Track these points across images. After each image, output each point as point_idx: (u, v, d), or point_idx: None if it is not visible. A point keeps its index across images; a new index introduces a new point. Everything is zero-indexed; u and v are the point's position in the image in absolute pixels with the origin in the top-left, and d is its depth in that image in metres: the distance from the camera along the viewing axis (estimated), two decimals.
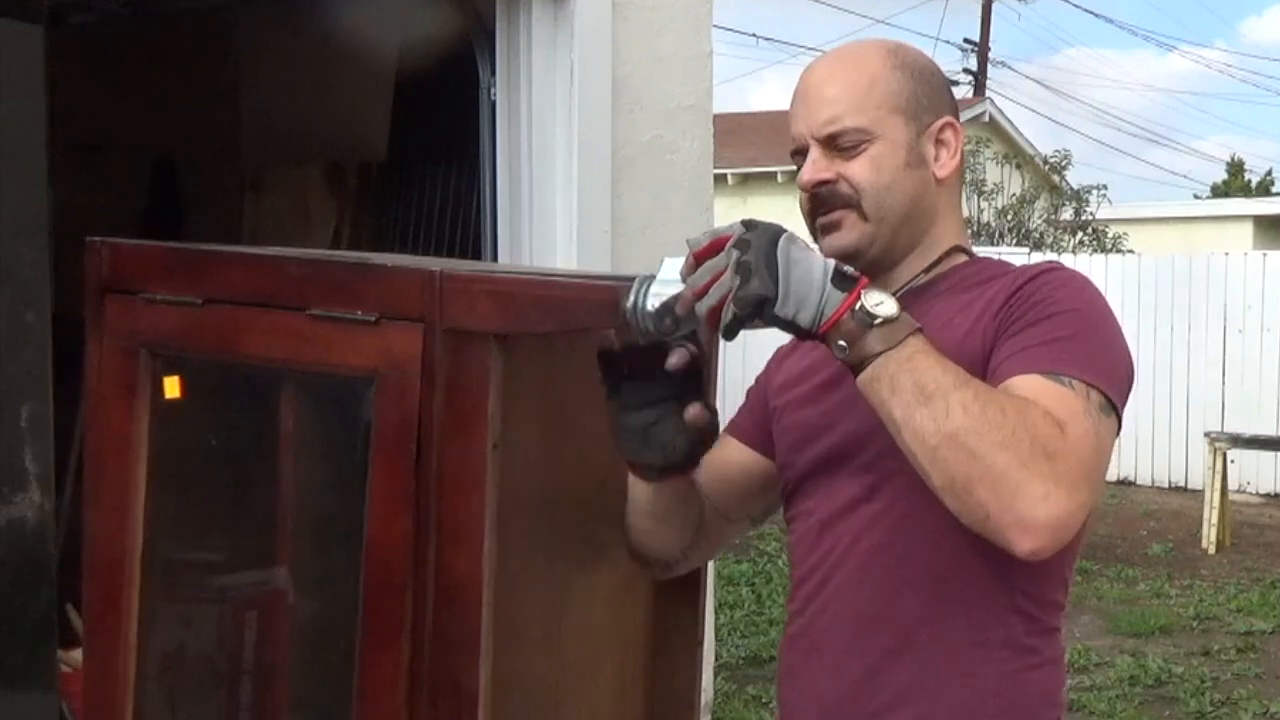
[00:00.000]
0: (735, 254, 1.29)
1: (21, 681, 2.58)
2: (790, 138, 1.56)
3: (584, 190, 3.78)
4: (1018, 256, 10.92)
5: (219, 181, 5.67)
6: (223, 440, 1.91)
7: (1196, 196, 27.85)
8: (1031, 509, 1.27)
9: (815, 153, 1.53)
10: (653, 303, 1.35)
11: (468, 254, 4.48)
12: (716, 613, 5.95)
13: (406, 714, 1.54)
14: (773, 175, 17.04)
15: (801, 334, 1.34)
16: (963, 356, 1.42)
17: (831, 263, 1.34)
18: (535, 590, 1.71)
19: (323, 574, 1.80)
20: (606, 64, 3.84)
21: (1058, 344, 1.39)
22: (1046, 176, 17.53)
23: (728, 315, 1.29)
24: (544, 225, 3.79)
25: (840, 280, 1.32)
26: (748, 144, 17.22)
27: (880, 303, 1.32)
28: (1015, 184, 16.70)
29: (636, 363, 1.44)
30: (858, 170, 1.52)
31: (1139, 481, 10.50)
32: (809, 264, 1.31)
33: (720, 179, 15.30)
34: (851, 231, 1.53)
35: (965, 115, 16.84)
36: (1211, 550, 8.30)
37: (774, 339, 1.52)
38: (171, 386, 1.78)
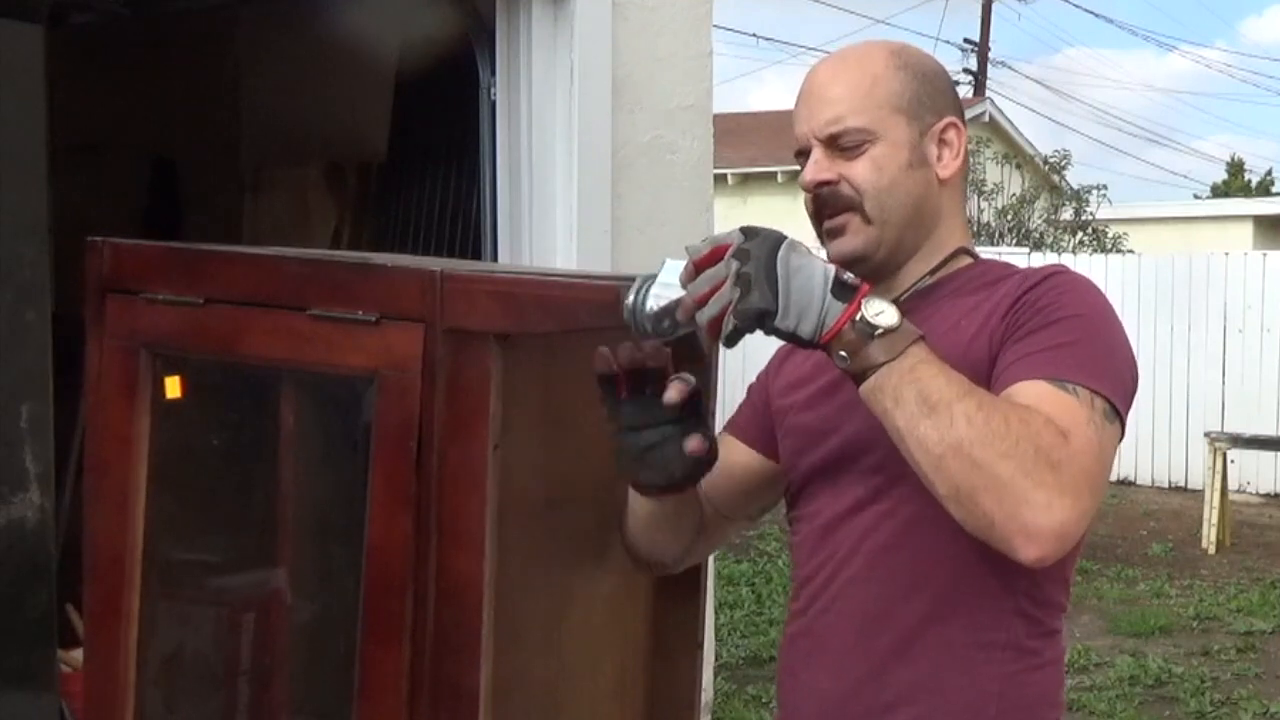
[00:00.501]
0: (735, 264, 1.28)
1: (21, 681, 2.58)
2: (794, 138, 1.56)
3: (584, 190, 3.78)
4: (1017, 257, 10.92)
5: (219, 181, 5.67)
6: (223, 440, 1.91)
7: (1196, 196, 27.86)
8: (1035, 518, 1.28)
9: (817, 153, 1.53)
10: (652, 304, 1.35)
11: (468, 254, 4.47)
12: (716, 613, 5.95)
13: (407, 714, 1.54)
14: (773, 175, 17.04)
15: (803, 344, 1.34)
16: (968, 360, 1.42)
17: (832, 270, 1.33)
18: (535, 590, 1.71)
19: (323, 574, 1.80)
20: (606, 64, 3.84)
21: (1062, 350, 1.40)
22: (1046, 176, 17.53)
23: (728, 326, 1.29)
24: (544, 225, 3.79)
25: (840, 290, 1.31)
26: (748, 144, 17.22)
27: (881, 312, 1.31)
28: (1015, 184, 16.70)
29: (636, 384, 1.44)
30: (859, 171, 1.51)
31: (1139, 481, 10.50)
32: (809, 273, 1.31)
33: (720, 179, 15.29)
34: (856, 236, 1.53)
35: (966, 115, 16.84)
36: (1211, 550, 8.30)
37: (775, 339, 1.52)
38: (172, 386, 1.78)
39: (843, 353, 1.32)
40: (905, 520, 1.47)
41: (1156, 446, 10.42)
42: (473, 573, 1.51)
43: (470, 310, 1.51)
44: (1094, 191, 16.10)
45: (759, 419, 1.69)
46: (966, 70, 22.05)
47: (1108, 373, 1.41)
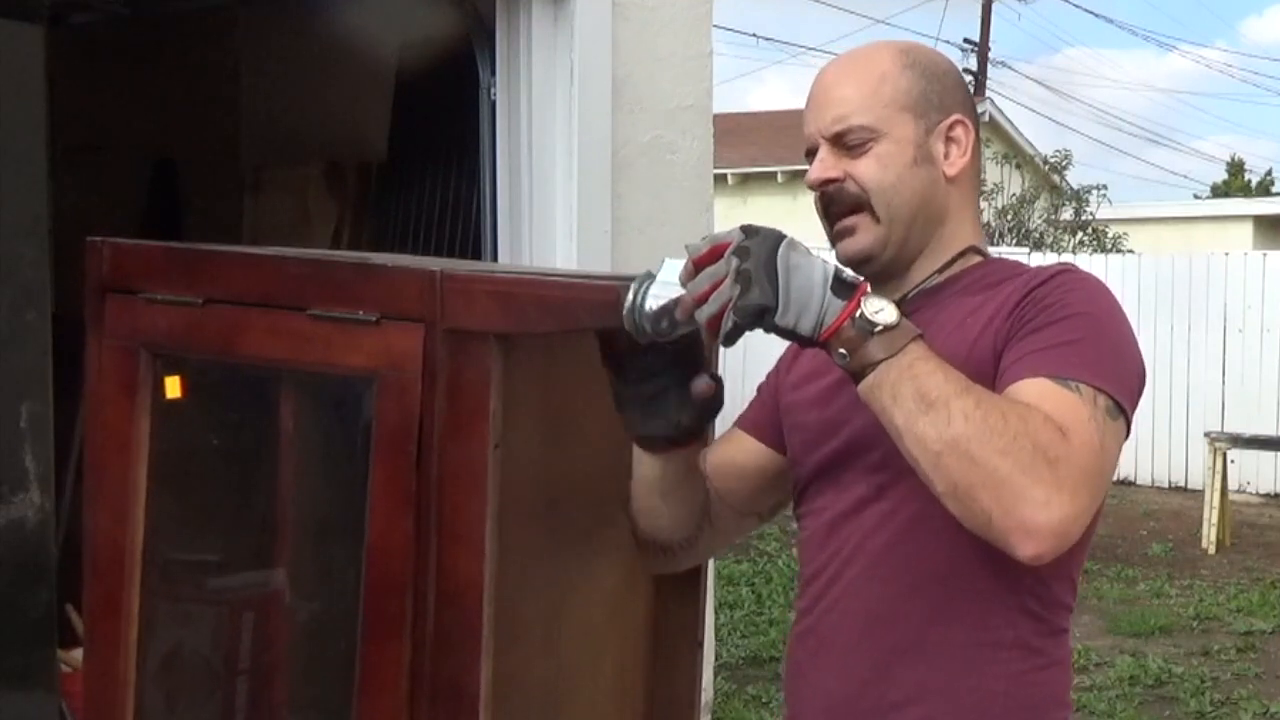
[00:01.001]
0: (735, 261, 1.28)
1: (21, 681, 2.58)
2: (803, 138, 1.57)
3: (584, 190, 3.78)
4: (1017, 257, 10.91)
5: (219, 182, 5.67)
6: (223, 441, 1.91)
7: (1196, 196, 27.85)
8: (1033, 514, 1.28)
9: (824, 151, 1.54)
10: (651, 304, 1.35)
11: (468, 254, 4.47)
12: (716, 613, 5.94)
13: (407, 714, 1.54)
14: (773, 175, 17.05)
15: (803, 342, 1.34)
16: (973, 359, 1.42)
17: (831, 268, 1.33)
18: (536, 590, 1.71)
19: (323, 574, 1.80)
20: (606, 64, 3.84)
21: (1067, 347, 1.39)
22: (1046, 176, 17.53)
23: (728, 324, 1.29)
24: (544, 225, 3.79)
25: (840, 287, 1.32)
26: (748, 144, 17.23)
27: (879, 309, 1.32)
28: (1015, 184, 16.70)
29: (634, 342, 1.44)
30: (864, 169, 1.52)
31: (1139, 481, 10.50)
32: (809, 270, 1.31)
33: (720, 179, 15.29)
34: (865, 235, 1.54)
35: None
36: (1211, 550, 8.30)
37: (777, 339, 1.53)
38: (172, 386, 1.78)
39: (842, 350, 1.32)
40: (909, 518, 1.47)
41: (1156, 446, 10.41)
42: (473, 573, 1.51)
43: (470, 310, 1.51)
44: (1094, 191, 16.10)
45: (769, 414, 1.70)
46: (966, 70, 22.04)
47: (1112, 370, 1.40)
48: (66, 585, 2.39)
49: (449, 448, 1.51)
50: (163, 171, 5.82)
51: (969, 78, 21.75)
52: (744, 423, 1.74)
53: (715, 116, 4.37)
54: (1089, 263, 11.38)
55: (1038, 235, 15.54)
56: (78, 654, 2.39)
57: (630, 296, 1.36)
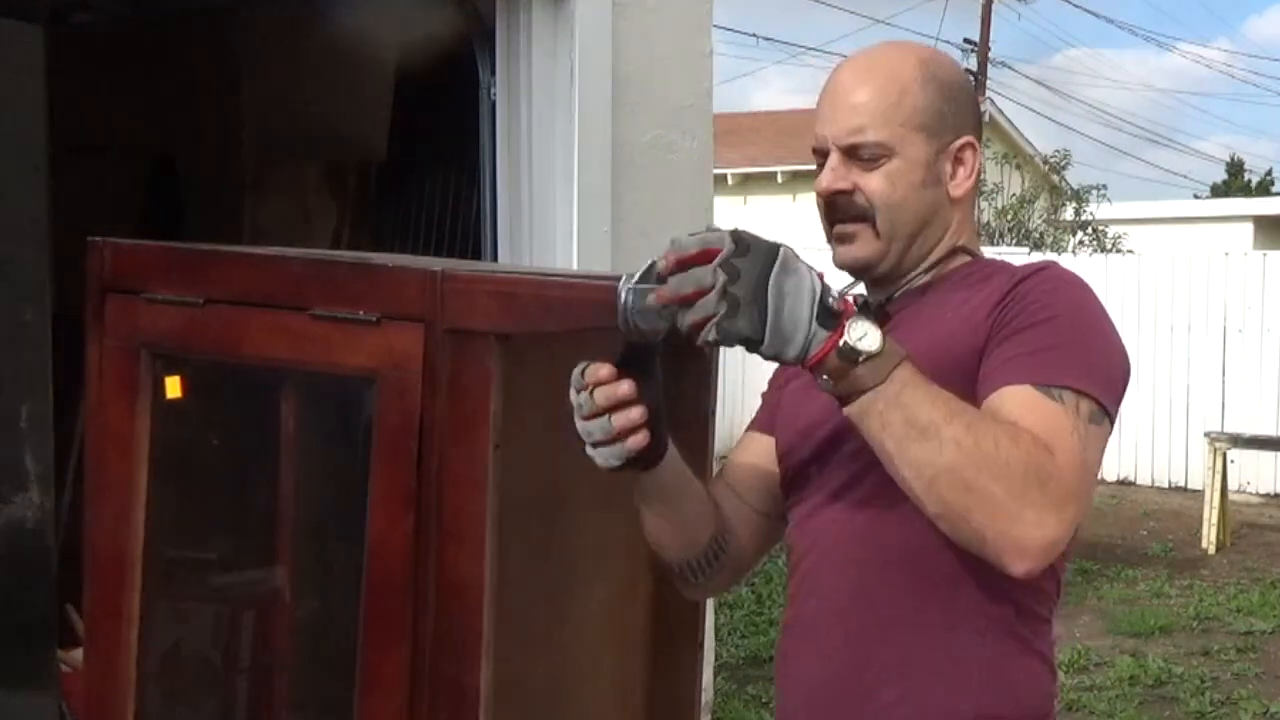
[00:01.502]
0: (723, 278, 1.26)
1: (21, 681, 2.58)
2: (814, 134, 1.56)
3: (584, 190, 3.78)
4: (1017, 256, 10.90)
5: (219, 181, 5.66)
6: (223, 440, 1.91)
7: (1196, 196, 27.84)
8: (1026, 535, 1.31)
9: (835, 160, 1.54)
10: (637, 300, 1.34)
11: (468, 254, 4.47)
12: (716, 613, 5.94)
13: (408, 714, 1.54)
14: (773, 175, 17.04)
15: (787, 364, 1.35)
16: (954, 351, 1.44)
17: (819, 289, 1.31)
18: (536, 590, 1.71)
19: (324, 574, 1.80)
20: (606, 64, 3.84)
21: (1049, 352, 1.41)
22: (1046, 176, 17.53)
23: (708, 336, 1.28)
24: (544, 225, 3.79)
25: (825, 316, 1.30)
26: (748, 144, 17.23)
27: (863, 335, 1.31)
28: (1015, 184, 16.70)
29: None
30: (874, 184, 1.53)
31: (1139, 481, 10.50)
32: (798, 297, 1.29)
33: (720, 179, 15.30)
34: (865, 247, 1.55)
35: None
36: (1211, 550, 8.30)
37: None
38: (172, 386, 1.78)
39: (826, 377, 1.33)
40: (883, 504, 1.47)
41: (1156, 446, 10.42)
42: (473, 572, 1.51)
43: (470, 310, 1.51)
44: (1094, 191, 16.10)
45: (777, 409, 1.70)
46: (966, 70, 22.05)
47: (1094, 372, 1.42)
48: (66, 585, 2.38)
49: (449, 448, 1.51)
50: (163, 171, 5.82)
51: (969, 78, 21.75)
52: (757, 425, 1.74)
53: (715, 116, 4.37)
54: (1089, 263, 11.39)
55: (1038, 235, 15.53)
56: (78, 654, 2.39)
57: (622, 297, 1.36)
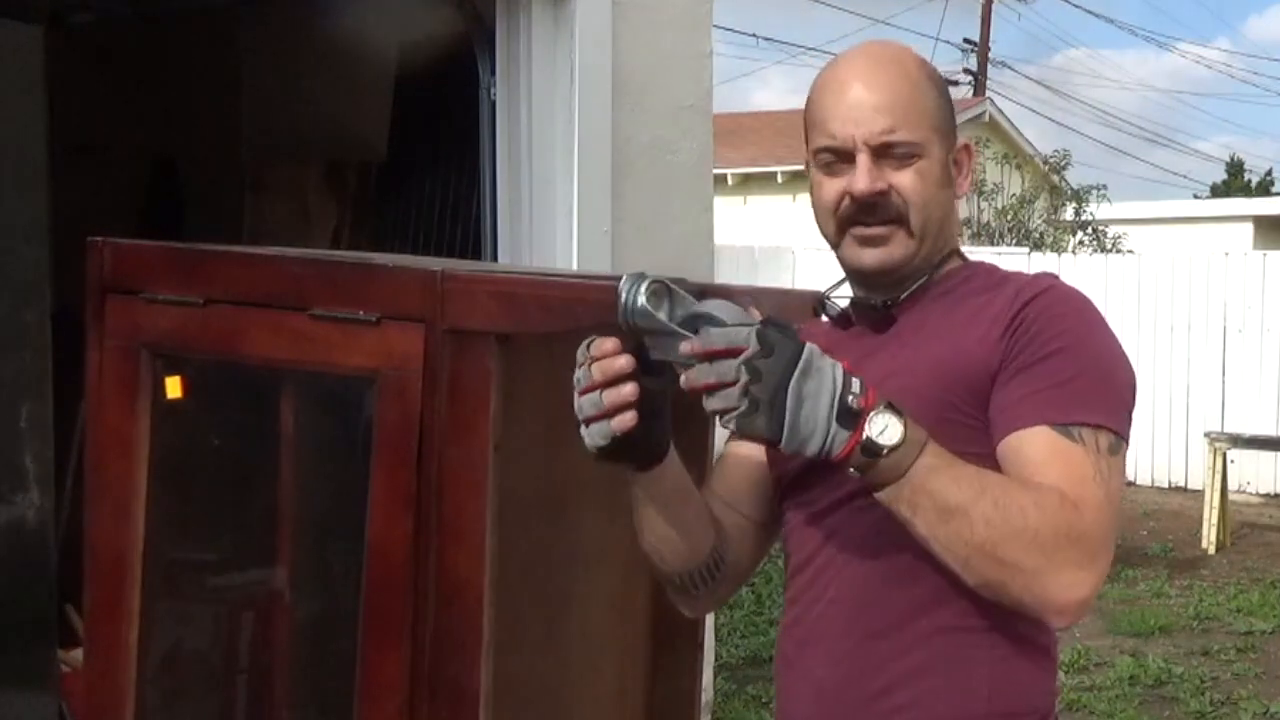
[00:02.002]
0: (745, 378, 1.29)
1: (21, 681, 2.58)
2: (826, 133, 1.54)
3: (584, 190, 3.77)
4: (1018, 256, 10.91)
5: (219, 182, 5.66)
6: (223, 440, 1.91)
7: (1196, 196, 27.83)
8: (1064, 596, 1.38)
9: (867, 160, 1.52)
10: (643, 303, 1.35)
11: (468, 254, 4.47)
12: (716, 613, 5.94)
13: (408, 714, 1.54)
14: (773, 175, 17.02)
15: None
16: (966, 374, 1.47)
17: (839, 390, 1.32)
18: (535, 590, 1.71)
19: (324, 574, 1.80)
20: (606, 64, 3.83)
21: (1063, 388, 1.44)
22: (1046, 176, 17.51)
23: (729, 426, 1.32)
24: (544, 225, 3.79)
25: (845, 417, 1.33)
26: (748, 144, 17.22)
27: (884, 429, 1.33)
28: (1015, 184, 16.68)
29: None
30: (909, 183, 1.52)
31: (1139, 481, 10.49)
32: (817, 399, 1.31)
33: (720, 179, 15.28)
34: (899, 248, 1.54)
35: (965, 115, 16.83)
36: (1211, 550, 8.30)
37: None
38: (172, 386, 1.78)
39: (852, 470, 1.37)
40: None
41: (1156, 446, 10.41)
42: (473, 573, 1.51)
43: (470, 310, 1.51)
44: (1094, 191, 16.09)
45: None
46: (966, 70, 22.05)
47: (1108, 401, 1.45)
48: (66, 585, 2.38)
49: (449, 448, 1.51)
50: (163, 172, 5.82)
51: (969, 77, 21.76)
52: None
53: (715, 116, 4.37)
54: (1089, 263, 11.39)
55: (1038, 235, 15.52)
56: (78, 654, 2.39)
57: (623, 297, 1.36)
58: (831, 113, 1.54)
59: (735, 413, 1.30)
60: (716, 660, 5.40)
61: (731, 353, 1.30)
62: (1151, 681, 5.66)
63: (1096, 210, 15.82)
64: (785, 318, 1.38)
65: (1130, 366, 1.51)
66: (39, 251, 2.57)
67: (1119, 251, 14.42)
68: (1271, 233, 16.36)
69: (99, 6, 5.02)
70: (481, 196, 3.98)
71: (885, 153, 1.52)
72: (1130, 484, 10.43)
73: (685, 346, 1.32)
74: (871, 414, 1.33)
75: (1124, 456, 1.46)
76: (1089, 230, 15.71)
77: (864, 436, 1.33)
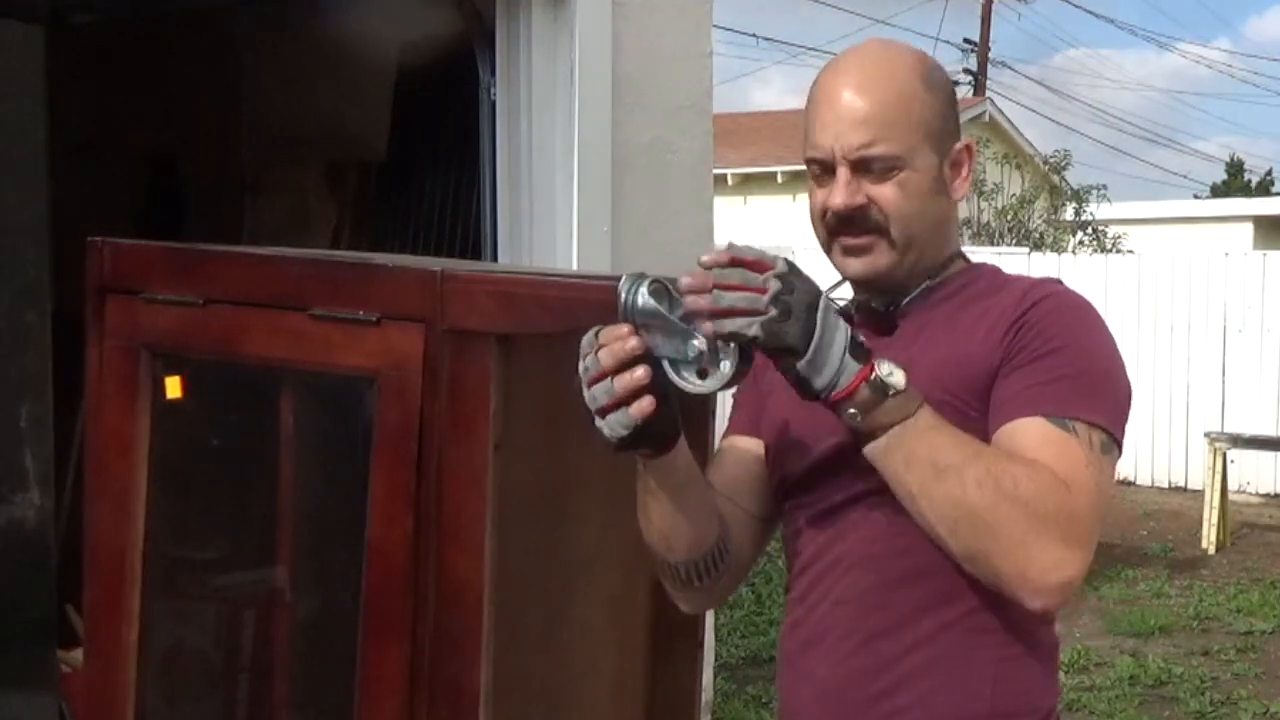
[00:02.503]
0: (777, 286, 1.29)
1: (21, 681, 2.58)
2: (811, 143, 1.54)
3: (584, 190, 3.77)
4: (1017, 257, 10.91)
5: (219, 182, 5.66)
6: (223, 440, 1.91)
7: (1196, 196, 27.83)
8: (1046, 576, 1.36)
9: (846, 175, 1.51)
10: (643, 299, 1.35)
11: (468, 254, 4.47)
12: (716, 613, 5.94)
13: (407, 713, 1.54)
14: (773, 175, 17.03)
15: (804, 392, 1.36)
16: (968, 374, 1.47)
17: (848, 330, 1.35)
18: (536, 590, 1.71)
19: (324, 574, 1.80)
20: (606, 64, 3.84)
21: (1061, 383, 1.44)
22: (1046, 176, 17.51)
23: (751, 330, 1.29)
24: (544, 225, 3.79)
25: (857, 351, 1.35)
26: (748, 144, 17.22)
27: (891, 373, 1.35)
28: (1015, 184, 16.68)
29: None
30: (888, 196, 1.51)
31: (1139, 481, 10.49)
32: (835, 331, 1.34)
33: (720, 179, 15.28)
34: (880, 259, 1.54)
35: (965, 115, 16.81)
36: (1211, 550, 8.30)
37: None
38: (172, 386, 1.78)
39: (853, 410, 1.36)
40: (897, 510, 1.47)
41: (1156, 446, 10.41)
42: (473, 572, 1.51)
43: (470, 310, 1.51)
44: (1094, 191, 16.09)
45: (761, 412, 1.69)
46: (966, 70, 22.04)
47: (1105, 402, 1.46)
48: (66, 585, 2.38)
49: (449, 448, 1.52)
50: (163, 172, 5.82)
51: (969, 77, 21.75)
52: (739, 428, 1.71)
53: (715, 116, 4.37)
54: (1089, 263, 11.38)
55: (1038, 235, 15.52)
56: (78, 654, 2.39)
57: (624, 296, 1.36)
58: (817, 123, 1.54)
59: (764, 318, 1.28)
60: (716, 660, 5.40)
61: (760, 266, 1.31)
62: (1151, 681, 5.66)
63: (1096, 210, 15.82)
64: None
65: (1127, 377, 1.52)
66: (39, 251, 2.57)
67: (1119, 251, 14.42)
68: (1271, 233, 16.35)
69: (99, 6, 5.02)
70: (481, 196, 3.98)
71: (864, 166, 1.51)
72: (1130, 484, 10.43)
73: (706, 258, 1.30)
74: (878, 358, 1.36)
75: (1114, 461, 1.46)
76: (1089, 230, 15.71)
77: (874, 374, 1.34)
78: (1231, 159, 34.73)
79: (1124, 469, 10.41)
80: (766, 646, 5.83)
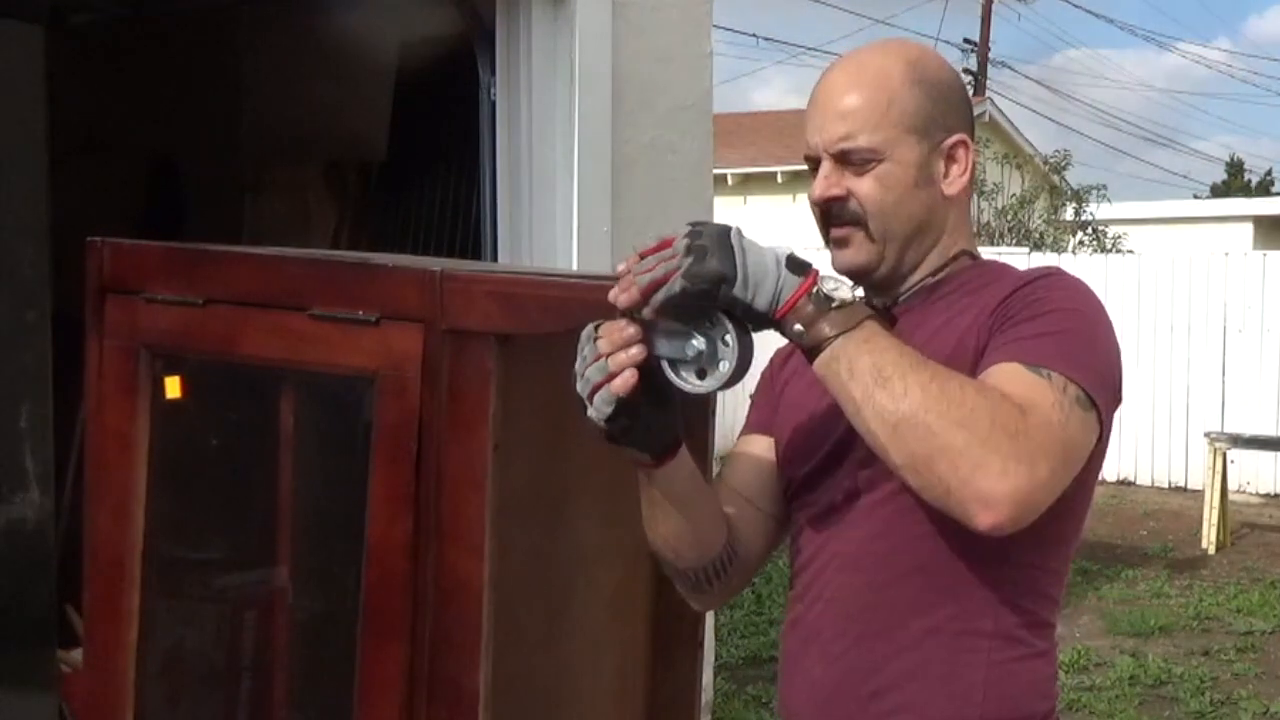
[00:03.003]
0: (686, 241, 1.32)
1: (21, 681, 2.58)
2: (805, 140, 1.57)
3: (584, 190, 3.78)
4: (1017, 256, 10.90)
5: (219, 182, 5.67)
6: (223, 440, 1.91)
7: (1196, 196, 27.83)
8: (990, 484, 1.29)
9: (827, 167, 1.55)
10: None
11: (468, 254, 4.47)
12: (716, 613, 5.94)
13: (407, 713, 1.54)
14: (773, 175, 17.03)
15: (757, 319, 1.36)
16: (957, 357, 1.44)
17: (784, 251, 1.36)
18: (535, 590, 1.71)
19: (323, 574, 1.80)
20: (606, 64, 3.84)
21: (1044, 338, 1.42)
22: (1046, 176, 17.51)
23: (674, 287, 1.30)
24: (544, 225, 3.79)
25: (795, 266, 1.35)
26: (748, 144, 17.23)
27: (836, 287, 1.35)
28: (1015, 184, 16.68)
29: None
30: (865, 189, 1.53)
31: (1139, 481, 10.49)
32: (761, 251, 1.35)
33: (720, 179, 15.28)
34: (860, 251, 1.55)
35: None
36: (1211, 550, 8.30)
37: (772, 344, 1.53)
38: (172, 386, 1.78)
39: (798, 326, 1.35)
40: (893, 511, 1.48)
41: (1156, 446, 10.41)
42: (472, 572, 1.51)
43: (470, 310, 1.51)
44: (1094, 191, 16.09)
45: (775, 412, 1.69)
46: (966, 70, 22.03)
47: (1087, 364, 1.42)
48: (66, 585, 2.39)
49: (449, 448, 1.51)
50: (163, 172, 5.82)
51: (969, 78, 21.73)
52: (752, 426, 1.73)
53: (715, 116, 4.37)
54: (1089, 263, 11.38)
55: (1038, 235, 15.52)
56: (78, 654, 2.39)
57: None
58: (808, 120, 1.57)
59: (682, 268, 1.30)
60: (716, 660, 5.40)
61: (665, 243, 1.34)
62: (1151, 681, 5.66)
63: (1096, 210, 15.82)
64: None
65: (1120, 360, 1.49)
66: (39, 251, 2.57)
67: (1119, 251, 14.42)
68: (1271, 233, 16.36)
69: (99, 6, 5.02)
70: (481, 196, 3.98)
71: (844, 159, 1.53)
72: (1130, 484, 10.43)
73: (621, 267, 1.35)
74: (821, 275, 1.36)
75: (1092, 421, 1.40)
76: (1089, 230, 15.72)
77: (815, 287, 1.34)
78: (1231, 159, 34.78)
79: (1124, 469, 10.41)
80: (766, 646, 5.84)
